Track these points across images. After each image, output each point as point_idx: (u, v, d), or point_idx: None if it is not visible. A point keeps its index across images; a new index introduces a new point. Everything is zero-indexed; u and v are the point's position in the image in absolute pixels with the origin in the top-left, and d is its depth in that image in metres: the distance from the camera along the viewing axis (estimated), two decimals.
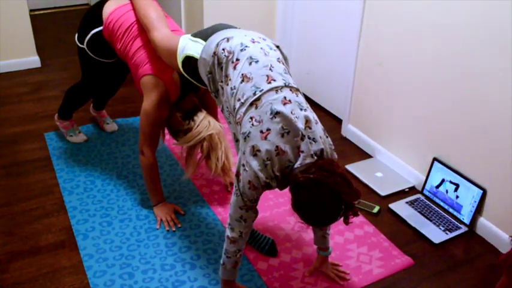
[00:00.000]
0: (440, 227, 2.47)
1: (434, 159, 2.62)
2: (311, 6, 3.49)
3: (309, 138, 1.67)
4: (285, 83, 1.74)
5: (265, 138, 1.65)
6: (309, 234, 2.37)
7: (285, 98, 1.69)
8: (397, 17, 2.69)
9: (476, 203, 2.42)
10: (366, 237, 2.40)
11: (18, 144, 2.99)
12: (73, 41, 2.72)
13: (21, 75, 3.89)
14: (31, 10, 5.00)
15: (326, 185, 1.58)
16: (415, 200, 2.66)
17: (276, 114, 1.65)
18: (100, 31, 2.48)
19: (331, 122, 3.44)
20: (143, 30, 2.34)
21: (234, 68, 1.80)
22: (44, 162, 2.83)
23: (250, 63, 1.78)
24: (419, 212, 2.57)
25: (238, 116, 1.76)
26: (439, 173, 2.60)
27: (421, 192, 2.71)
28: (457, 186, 2.51)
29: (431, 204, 2.62)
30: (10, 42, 3.84)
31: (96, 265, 2.15)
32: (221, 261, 1.92)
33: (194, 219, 2.46)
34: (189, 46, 1.98)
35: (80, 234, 2.32)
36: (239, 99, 1.75)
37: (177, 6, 3.92)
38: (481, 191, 2.40)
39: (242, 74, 1.77)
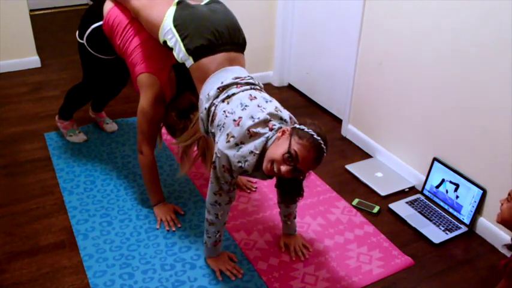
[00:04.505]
0: (440, 227, 2.47)
1: (434, 159, 2.62)
2: (311, 6, 3.49)
3: (281, 119, 1.89)
4: (251, 87, 1.98)
5: (238, 124, 1.83)
6: (309, 234, 2.38)
7: (250, 95, 1.93)
8: (397, 17, 2.69)
9: (476, 203, 2.42)
10: (366, 237, 2.40)
11: (18, 144, 2.99)
12: (73, 41, 2.72)
13: (21, 75, 3.89)
14: (31, 10, 4.99)
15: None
16: (415, 200, 2.65)
17: (245, 106, 1.87)
18: (100, 26, 2.48)
19: (331, 122, 3.43)
20: (142, 28, 2.33)
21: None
22: (44, 162, 2.83)
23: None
24: (419, 212, 2.57)
25: (211, 114, 1.97)
26: (439, 173, 2.60)
27: (421, 192, 2.71)
28: (457, 186, 2.51)
29: (431, 204, 2.62)
30: (10, 42, 3.83)
31: (96, 265, 2.15)
32: (203, 241, 2.12)
33: (194, 219, 2.46)
34: (169, 36, 2.11)
35: (80, 234, 2.32)
36: (213, 104, 1.98)
37: None
38: (481, 191, 2.40)
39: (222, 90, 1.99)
